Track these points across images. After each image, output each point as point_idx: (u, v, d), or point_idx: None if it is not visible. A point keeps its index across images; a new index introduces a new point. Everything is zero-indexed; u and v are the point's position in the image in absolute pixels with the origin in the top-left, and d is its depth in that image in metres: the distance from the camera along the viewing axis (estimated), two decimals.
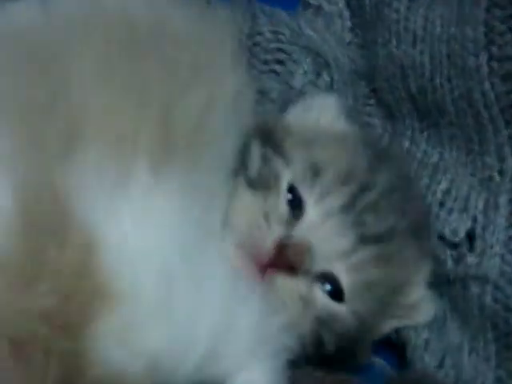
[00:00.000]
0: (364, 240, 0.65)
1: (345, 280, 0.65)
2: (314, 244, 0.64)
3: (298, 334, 0.64)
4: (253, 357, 0.59)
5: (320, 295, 0.65)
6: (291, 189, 0.67)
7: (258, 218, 0.65)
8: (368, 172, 0.69)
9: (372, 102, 0.87)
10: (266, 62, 0.83)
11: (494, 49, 0.71)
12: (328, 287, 0.65)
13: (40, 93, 0.56)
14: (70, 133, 0.54)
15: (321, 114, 0.75)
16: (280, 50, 0.83)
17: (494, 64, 0.71)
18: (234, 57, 0.69)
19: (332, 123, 0.75)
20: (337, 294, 0.66)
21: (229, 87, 0.66)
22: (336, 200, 0.66)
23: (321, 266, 0.65)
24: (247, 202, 0.67)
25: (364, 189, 0.67)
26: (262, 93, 0.81)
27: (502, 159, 0.73)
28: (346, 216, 0.65)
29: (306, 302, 0.64)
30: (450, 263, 0.75)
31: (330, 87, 0.83)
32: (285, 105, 0.80)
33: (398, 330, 0.75)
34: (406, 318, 0.73)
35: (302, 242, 0.64)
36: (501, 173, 0.73)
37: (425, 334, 0.73)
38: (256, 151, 0.69)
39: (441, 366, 0.72)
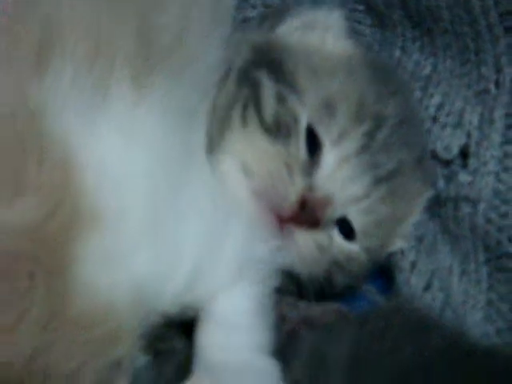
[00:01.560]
0: (377, 181, 0.66)
1: (357, 221, 0.66)
2: (334, 194, 0.64)
3: (309, 275, 0.65)
4: (236, 280, 0.60)
5: (337, 238, 0.66)
6: (309, 131, 0.65)
7: (279, 167, 0.63)
8: (378, 104, 0.68)
9: (361, 7, 0.82)
10: None
11: None
12: (341, 230, 0.66)
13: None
14: (44, 45, 0.52)
15: (325, 33, 0.72)
16: None
17: None
18: None
19: (337, 45, 0.72)
20: (349, 234, 0.67)
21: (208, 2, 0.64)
22: (352, 143, 0.65)
23: (338, 212, 0.65)
24: (267, 149, 0.64)
25: (377, 126, 0.67)
26: None
27: (499, 70, 0.71)
28: (362, 159, 0.65)
29: (324, 250, 0.65)
30: (441, 182, 0.73)
31: None
32: (266, 13, 0.76)
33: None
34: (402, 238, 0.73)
35: (324, 196, 0.63)
36: (497, 84, 0.71)
37: (411, 257, 0.72)
38: (269, 89, 0.66)
39: (428, 288, 0.71)
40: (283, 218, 0.62)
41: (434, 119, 0.74)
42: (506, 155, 0.70)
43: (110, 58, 0.54)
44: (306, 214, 0.62)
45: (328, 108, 0.65)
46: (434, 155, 0.73)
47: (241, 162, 0.63)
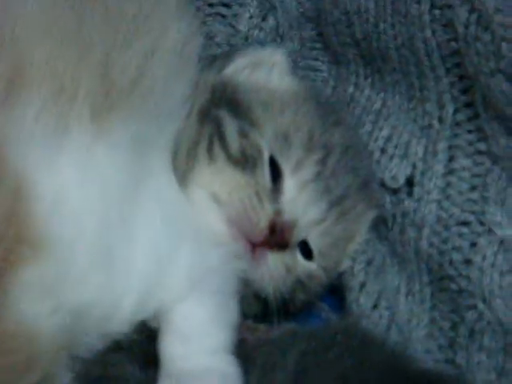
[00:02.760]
0: (331, 205, 0.70)
1: (315, 243, 0.71)
2: (298, 218, 0.68)
3: (274, 294, 0.69)
4: (192, 290, 0.62)
5: (299, 260, 0.70)
6: (271, 161, 0.69)
7: (250, 195, 0.67)
8: (325, 134, 0.72)
9: (318, 45, 0.86)
10: (211, 5, 0.83)
11: None
12: (301, 251, 0.71)
13: None
14: (12, 79, 0.54)
15: (270, 72, 0.76)
16: None
17: (436, 12, 0.70)
18: (180, 3, 0.69)
19: (282, 81, 0.76)
20: (307, 254, 0.71)
21: (173, 36, 0.66)
22: (307, 170, 0.69)
23: (302, 235, 0.69)
24: (236, 180, 0.68)
25: (327, 154, 0.71)
26: (208, 37, 0.81)
27: (441, 107, 0.74)
28: (317, 185, 0.70)
29: (290, 270, 0.69)
30: (389, 208, 0.77)
31: (276, 31, 0.83)
32: (230, 49, 0.80)
33: (338, 275, 0.77)
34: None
35: (290, 220, 0.67)
36: (440, 120, 0.74)
37: (361, 277, 0.75)
38: (231, 127, 0.70)
39: (375, 307, 0.75)
40: (256, 242, 0.66)
41: (383, 150, 0.77)
42: (447, 185, 0.73)
43: (73, 95, 0.56)
44: (275, 237, 0.67)
45: (284, 139, 0.70)
46: (383, 184, 0.77)
47: (211, 192, 0.67)
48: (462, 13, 0.67)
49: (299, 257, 0.70)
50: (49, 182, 0.52)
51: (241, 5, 0.83)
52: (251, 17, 0.82)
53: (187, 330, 0.60)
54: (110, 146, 0.57)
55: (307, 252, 0.71)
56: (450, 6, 0.69)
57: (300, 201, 0.69)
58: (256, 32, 0.82)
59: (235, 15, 0.82)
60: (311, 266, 0.71)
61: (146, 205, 0.60)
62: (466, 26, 0.68)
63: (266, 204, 0.67)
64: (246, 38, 0.82)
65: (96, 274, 0.54)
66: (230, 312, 0.64)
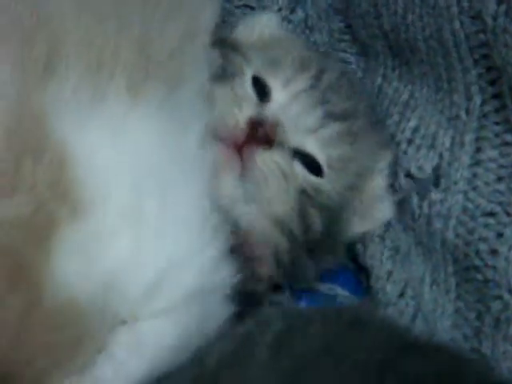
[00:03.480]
0: (330, 116, 0.71)
1: (320, 155, 0.71)
2: (284, 120, 0.68)
3: (284, 218, 0.68)
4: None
5: (300, 169, 0.70)
6: (255, 79, 0.71)
7: (228, 103, 0.69)
8: (322, 58, 0.76)
9: (347, 37, 0.87)
10: None
11: None
12: (305, 163, 0.70)
13: (24, 17, 0.58)
14: (50, 56, 0.56)
15: (263, 28, 0.79)
16: None
17: (464, 3, 0.70)
18: None
19: (275, 33, 0.79)
20: (316, 169, 0.71)
21: (206, 23, 0.68)
22: (300, 83, 0.71)
23: (295, 141, 0.69)
24: (216, 94, 0.69)
25: (322, 71, 0.73)
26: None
27: (469, 98, 0.74)
28: (311, 95, 0.71)
29: (288, 175, 0.68)
30: (415, 199, 0.77)
31: (305, 23, 0.84)
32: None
33: (363, 259, 0.79)
34: (368, 218, 0.78)
35: (272, 118, 0.68)
36: (467, 111, 0.74)
37: (388, 265, 0.76)
38: (216, 52, 0.71)
39: (402, 295, 0.75)
40: (238, 143, 0.67)
41: (410, 141, 0.78)
42: (474, 176, 0.73)
43: (111, 69, 0.58)
44: (256, 133, 0.67)
45: (273, 63, 0.72)
46: (409, 174, 0.77)
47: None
48: (491, 4, 0.67)
49: (300, 168, 0.70)
50: (85, 148, 0.55)
51: None
52: (280, 9, 0.84)
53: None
54: (144, 115, 0.59)
55: (316, 168, 0.71)
56: None
57: (288, 109, 0.69)
58: (285, 24, 0.83)
59: (264, 7, 0.83)
60: (320, 181, 0.71)
61: (178, 178, 0.61)
62: (495, 18, 0.68)
63: (245, 107, 0.68)
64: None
65: (125, 236, 0.55)
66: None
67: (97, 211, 0.54)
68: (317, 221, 0.71)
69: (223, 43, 0.74)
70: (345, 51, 0.87)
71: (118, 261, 0.55)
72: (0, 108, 0.53)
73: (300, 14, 0.84)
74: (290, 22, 0.84)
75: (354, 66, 0.87)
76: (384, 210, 0.78)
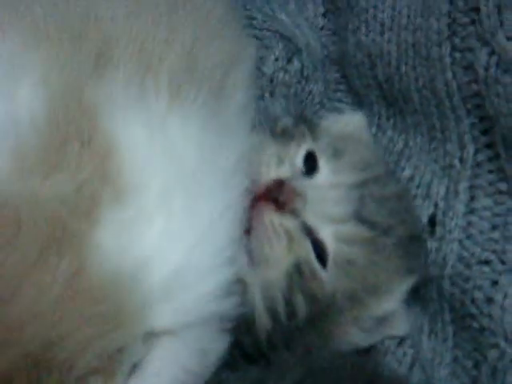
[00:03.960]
0: (359, 218, 0.68)
1: (330, 247, 0.68)
2: (309, 195, 0.68)
3: (270, 298, 0.66)
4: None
5: (308, 247, 0.67)
6: (309, 154, 0.71)
7: (271, 156, 0.70)
8: (383, 170, 0.75)
9: (342, 87, 0.89)
10: None
11: (457, 40, 0.72)
12: (315, 246, 0.68)
13: (74, 19, 0.62)
14: (100, 55, 0.60)
15: (349, 123, 0.81)
16: (252, 35, 0.85)
17: (457, 54, 0.72)
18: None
19: (358, 132, 0.81)
20: (321, 257, 0.68)
21: (248, 54, 0.73)
22: (349, 177, 0.70)
23: (310, 219, 0.68)
24: (264, 144, 0.71)
25: (377, 180, 0.72)
26: None
27: (462, 147, 0.75)
28: (352, 192, 0.69)
29: (291, 239, 0.67)
30: None
31: (301, 73, 0.85)
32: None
33: None
34: (374, 334, 0.74)
35: (298, 187, 0.68)
36: (461, 160, 0.75)
37: None
38: (287, 119, 0.75)
39: (400, 344, 0.75)
40: (257, 194, 0.67)
41: None
42: (469, 224, 0.74)
43: (157, 72, 0.61)
44: (276, 194, 0.67)
45: (336, 153, 0.72)
46: None
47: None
48: (483, 56, 0.69)
49: (308, 244, 0.67)
50: (128, 141, 0.58)
51: (266, 47, 0.85)
52: (277, 59, 0.85)
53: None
54: (184, 121, 0.61)
55: (322, 255, 0.68)
56: (470, 49, 0.71)
57: (322, 191, 0.69)
58: (281, 74, 0.84)
59: (261, 57, 0.84)
60: (320, 269, 0.68)
61: (208, 191, 0.62)
62: (486, 69, 0.69)
63: (285, 168, 0.69)
64: (271, 80, 0.85)
65: (157, 222, 0.57)
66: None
67: (136, 197, 0.57)
68: (302, 307, 0.67)
69: (302, 115, 0.77)
70: (340, 101, 0.89)
71: (147, 248, 0.57)
72: (47, 94, 0.57)
73: (296, 64, 0.85)
74: (286, 72, 0.84)
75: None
76: (398, 328, 0.74)
